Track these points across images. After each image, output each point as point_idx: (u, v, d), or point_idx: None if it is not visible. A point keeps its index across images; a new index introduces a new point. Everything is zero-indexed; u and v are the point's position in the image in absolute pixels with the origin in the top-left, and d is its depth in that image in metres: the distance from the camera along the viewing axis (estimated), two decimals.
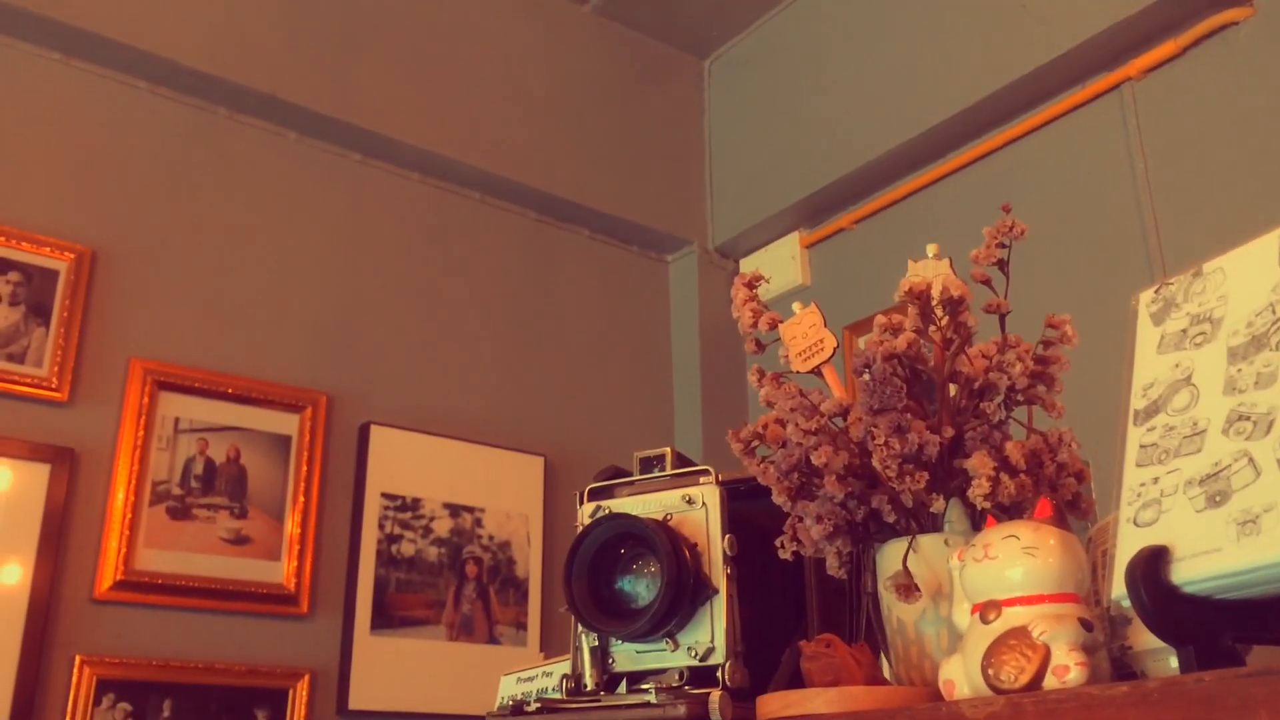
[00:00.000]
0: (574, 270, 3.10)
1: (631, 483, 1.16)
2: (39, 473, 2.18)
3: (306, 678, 2.39)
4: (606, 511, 1.11)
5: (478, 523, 2.71)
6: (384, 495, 2.59)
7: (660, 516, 1.09)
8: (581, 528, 1.10)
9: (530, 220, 3.05)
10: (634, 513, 1.08)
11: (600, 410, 3.00)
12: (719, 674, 1.01)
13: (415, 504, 2.63)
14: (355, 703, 2.42)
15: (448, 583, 2.63)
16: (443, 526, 2.66)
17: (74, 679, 2.13)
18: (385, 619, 2.52)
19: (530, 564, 2.76)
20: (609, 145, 3.16)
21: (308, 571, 2.44)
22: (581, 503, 1.16)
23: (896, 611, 0.95)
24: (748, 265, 3.17)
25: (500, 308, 2.93)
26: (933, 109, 2.59)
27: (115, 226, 2.42)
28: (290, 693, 2.37)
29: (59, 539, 2.17)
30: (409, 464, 2.64)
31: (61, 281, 2.31)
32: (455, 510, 2.68)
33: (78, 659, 2.15)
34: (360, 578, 2.51)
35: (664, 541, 1.04)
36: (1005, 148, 2.52)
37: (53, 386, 2.24)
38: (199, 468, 2.38)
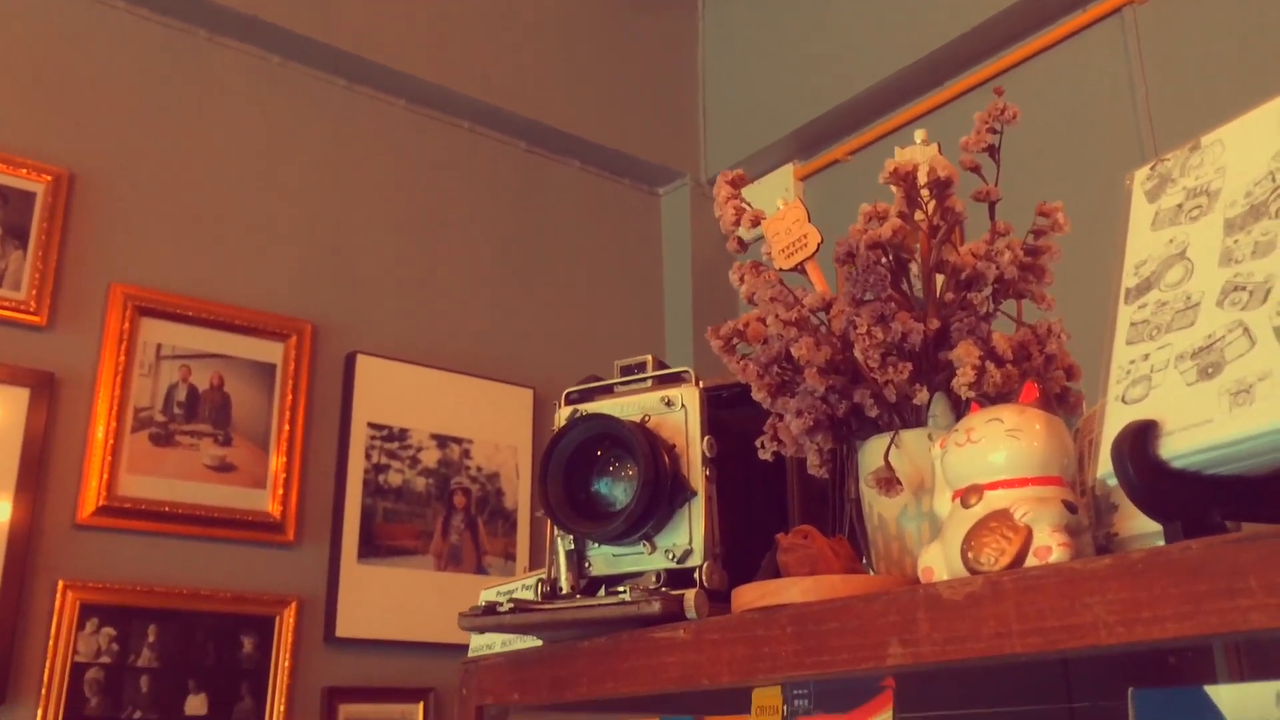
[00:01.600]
0: (565, 202, 3.05)
1: (610, 387, 1.13)
2: (18, 397, 2.15)
3: (293, 605, 2.38)
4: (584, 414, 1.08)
5: (466, 454, 2.69)
6: (371, 425, 2.56)
7: (638, 419, 1.06)
8: (558, 429, 1.07)
9: (520, 151, 3.00)
10: (612, 415, 1.05)
11: (590, 344, 2.97)
12: (696, 575, 0.99)
13: (402, 434, 2.61)
14: (343, 630, 2.42)
15: (435, 513, 2.61)
16: (430, 457, 2.63)
17: (57, 603, 2.12)
18: (372, 548, 2.50)
19: (519, 496, 2.74)
20: (601, 75, 3.10)
21: (293, 500, 2.42)
22: (560, 407, 1.13)
23: (878, 508, 0.92)
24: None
25: (489, 239, 2.88)
26: (929, 35, 2.54)
27: (93, 149, 2.37)
28: (277, 620, 2.36)
29: (40, 464, 2.15)
30: (396, 394, 2.61)
31: (39, 204, 2.27)
32: (443, 441, 2.66)
33: (60, 584, 2.13)
34: (347, 507, 2.49)
35: (641, 442, 1.01)
36: (1003, 75, 2.47)
37: (31, 310, 2.20)
38: (182, 395, 2.36)
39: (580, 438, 1.05)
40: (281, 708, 2.32)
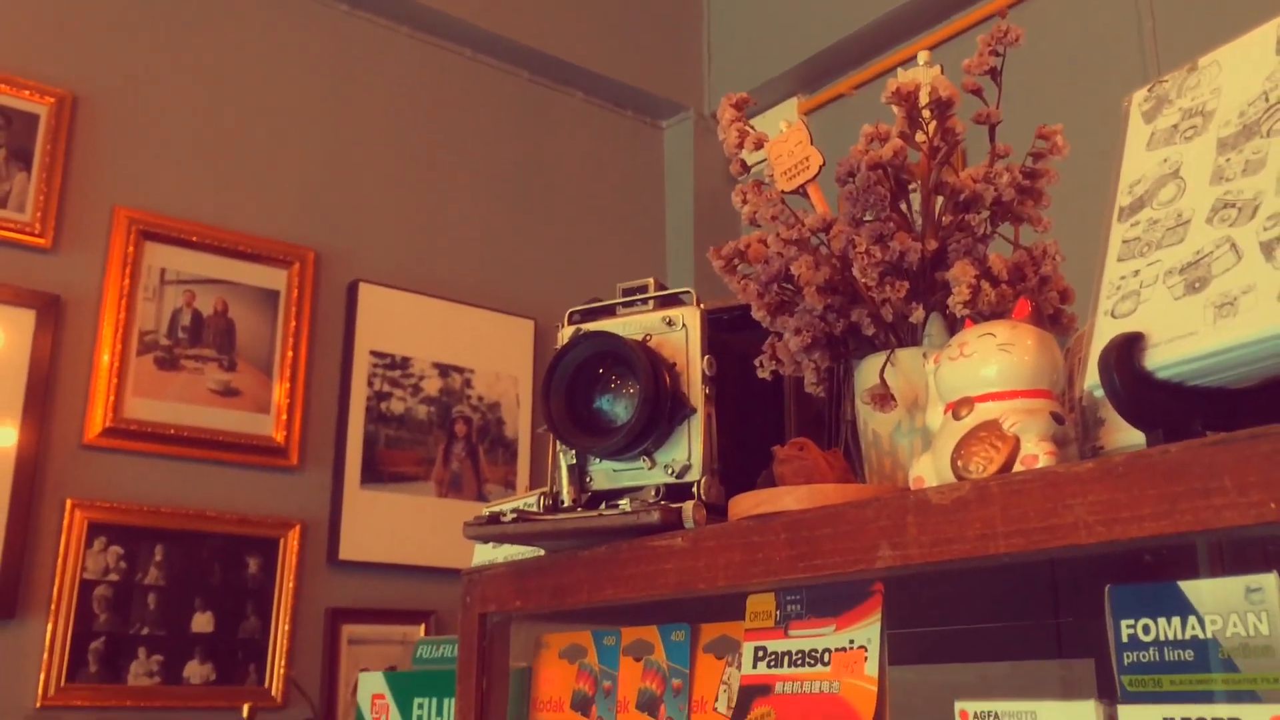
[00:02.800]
0: (567, 134, 3.04)
1: (612, 308, 1.15)
2: (24, 318, 2.17)
3: (297, 528, 2.42)
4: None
5: (467, 383, 2.71)
6: (373, 353, 2.59)
7: (640, 338, 1.08)
8: (561, 346, 1.09)
9: (523, 81, 2.98)
10: (614, 333, 1.07)
11: (592, 276, 2.98)
12: (695, 489, 1.01)
13: (404, 362, 2.63)
14: (346, 553, 2.46)
15: (437, 441, 2.65)
16: (432, 386, 2.66)
17: (65, 522, 2.16)
18: (375, 474, 2.54)
19: (520, 425, 2.78)
20: (606, 5, 3.07)
21: (297, 425, 2.45)
22: (563, 326, 1.15)
23: (872, 424, 0.95)
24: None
25: (492, 169, 2.88)
26: None
27: (96, 72, 2.36)
28: (281, 542, 2.40)
29: (47, 385, 2.18)
30: (398, 323, 2.63)
31: (42, 126, 2.27)
32: (445, 370, 2.69)
33: (69, 503, 2.17)
34: (349, 433, 2.52)
35: (642, 360, 1.03)
36: (1012, 7, 2.45)
37: (36, 232, 2.21)
38: (186, 319, 2.38)
39: (583, 355, 1.07)
40: (286, 627, 2.37)
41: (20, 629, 2.09)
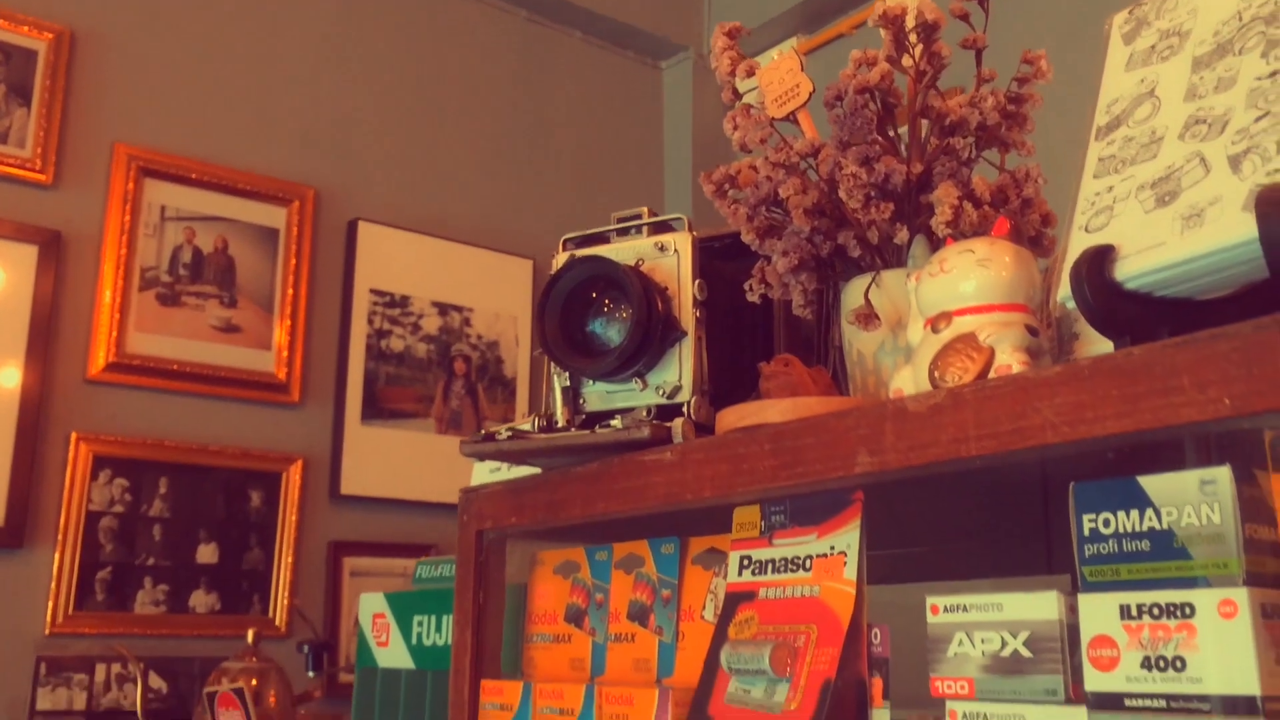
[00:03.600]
0: (565, 74, 3.04)
1: (607, 235, 1.17)
2: (26, 254, 2.20)
3: (299, 463, 2.46)
4: None
5: (466, 322, 2.74)
6: (373, 291, 2.61)
7: (633, 263, 1.10)
8: (555, 270, 1.11)
9: (521, 20, 2.97)
10: (608, 257, 1.09)
11: (590, 216, 2.98)
12: (685, 409, 1.04)
13: (404, 301, 2.65)
14: (347, 488, 2.50)
15: (436, 378, 2.68)
16: (431, 324, 2.69)
17: (71, 455, 2.20)
18: (375, 410, 2.57)
19: (518, 364, 2.81)
20: None
21: (298, 361, 2.48)
22: (559, 252, 1.17)
23: (857, 344, 0.98)
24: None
25: (491, 109, 2.89)
26: None
27: (94, 7, 2.36)
28: (283, 477, 2.45)
29: (50, 319, 2.20)
30: (398, 261, 2.65)
31: (41, 61, 2.27)
32: (444, 309, 2.71)
33: (74, 436, 2.21)
34: (350, 370, 2.55)
35: (635, 284, 1.06)
36: None
37: (36, 168, 2.23)
38: (187, 256, 2.40)
39: (577, 279, 1.09)
40: (289, 559, 2.42)
41: (29, 559, 2.14)
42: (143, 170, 2.35)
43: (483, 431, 1.11)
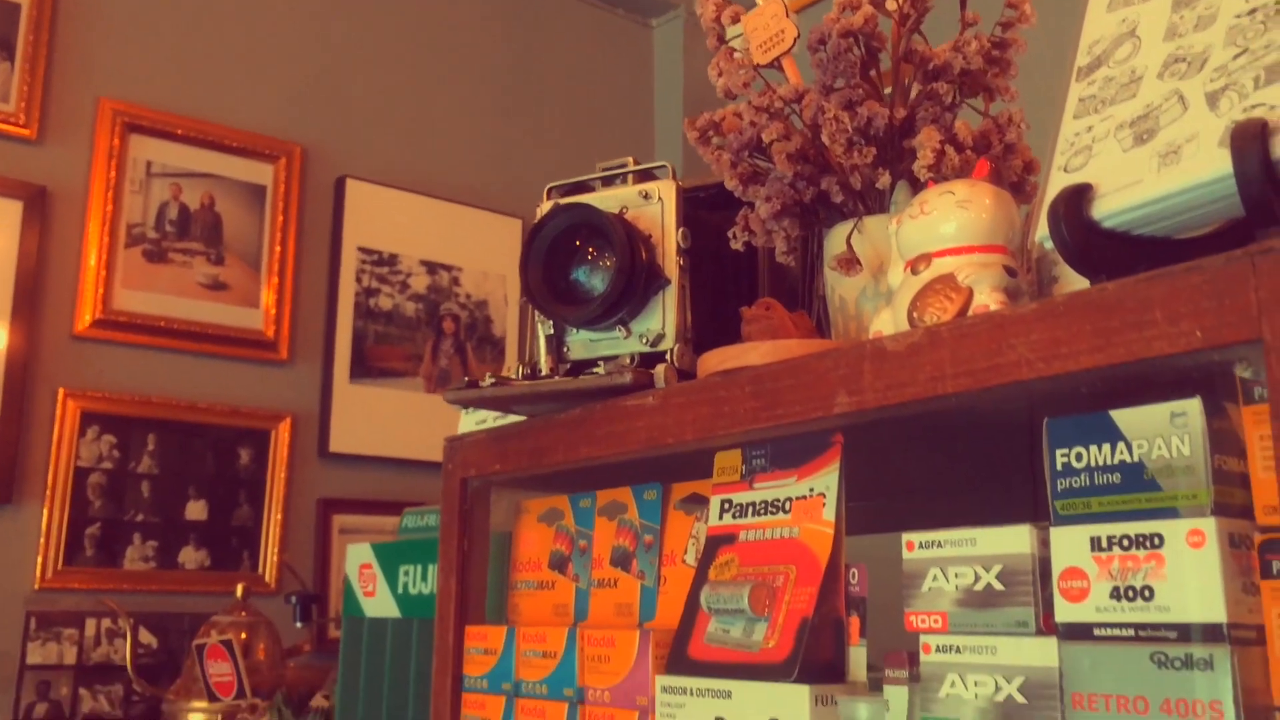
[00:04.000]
0: (556, 32, 3.02)
1: (591, 184, 1.17)
2: (11, 209, 2.18)
3: (288, 420, 2.46)
4: None
5: (455, 281, 2.74)
6: (361, 249, 2.60)
7: (617, 210, 1.10)
8: (539, 218, 1.11)
9: None
10: (591, 205, 1.09)
11: (581, 175, 2.98)
12: (668, 356, 1.04)
13: (392, 259, 2.65)
14: (336, 446, 2.51)
15: (425, 337, 2.68)
16: (420, 283, 2.68)
17: (58, 411, 2.20)
18: (364, 369, 2.57)
19: (507, 323, 2.81)
20: None
21: (286, 319, 2.48)
22: (543, 201, 1.17)
23: (839, 290, 0.98)
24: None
25: (481, 67, 2.87)
26: None
27: None
28: (272, 434, 2.45)
29: (36, 275, 2.20)
30: (386, 220, 2.64)
31: (25, 15, 2.25)
32: (433, 268, 2.71)
33: (61, 392, 2.21)
34: (338, 328, 2.55)
35: (618, 231, 1.06)
36: None
37: (21, 123, 2.21)
38: (173, 213, 2.39)
39: (560, 227, 1.09)
40: (278, 516, 2.43)
41: (17, 514, 2.14)
42: (128, 126, 2.33)
43: (466, 379, 1.11)
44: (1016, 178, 0.96)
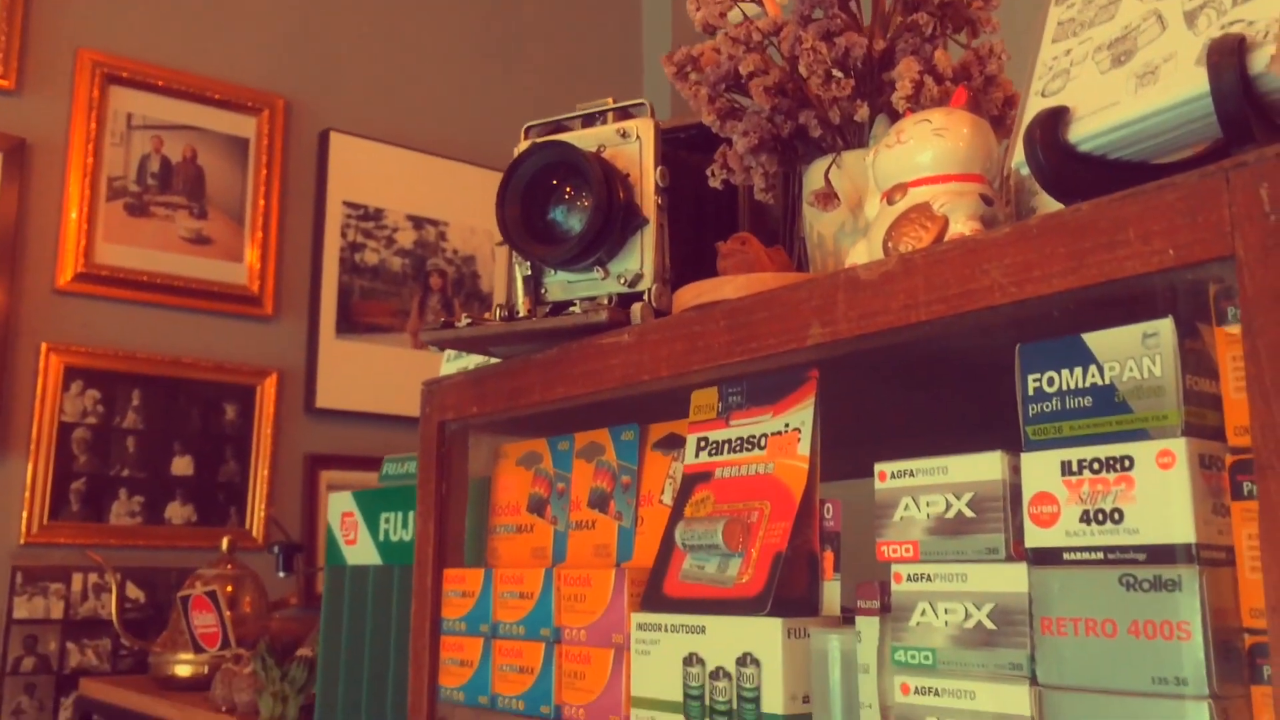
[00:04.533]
0: None
1: (569, 124, 1.16)
2: None
3: (273, 376, 2.45)
4: None
5: (441, 236, 2.72)
6: (346, 204, 2.58)
7: (594, 149, 1.09)
8: (516, 156, 1.10)
9: None
10: (568, 143, 1.08)
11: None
12: (645, 296, 1.03)
13: (378, 214, 2.63)
14: (322, 401, 2.50)
15: (411, 293, 2.66)
16: (406, 238, 2.66)
17: (42, 365, 2.18)
18: (350, 324, 2.56)
19: (495, 279, 2.79)
20: None
21: (270, 274, 2.46)
22: (521, 140, 1.16)
23: (818, 226, 0.97)
24: None
25: (465, 17, 2.83)
26: None
27: None
28: (257, 390, 2.44)
29: (17, 228, 2.17)
30: (371, 174, 2.62)
31: None
32: (419, 222, 2.69)
33: (44, 346, 2.19)
34: (324, 283, 2.53)
35: (595, 169, 1.04)
36: None
37: None
38: (155, 165, 2.36)
39: (538, 165, 1.08)
40: (265, 472, 2.42)
41: (1, 468, 2.13)
42: (108, 77, 2.30)
43: (442, 320, 1.10)
44: (997, 110, 0.94)
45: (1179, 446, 0.58)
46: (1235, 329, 0.58)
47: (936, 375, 0.92)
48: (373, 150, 2.62)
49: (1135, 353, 0.61)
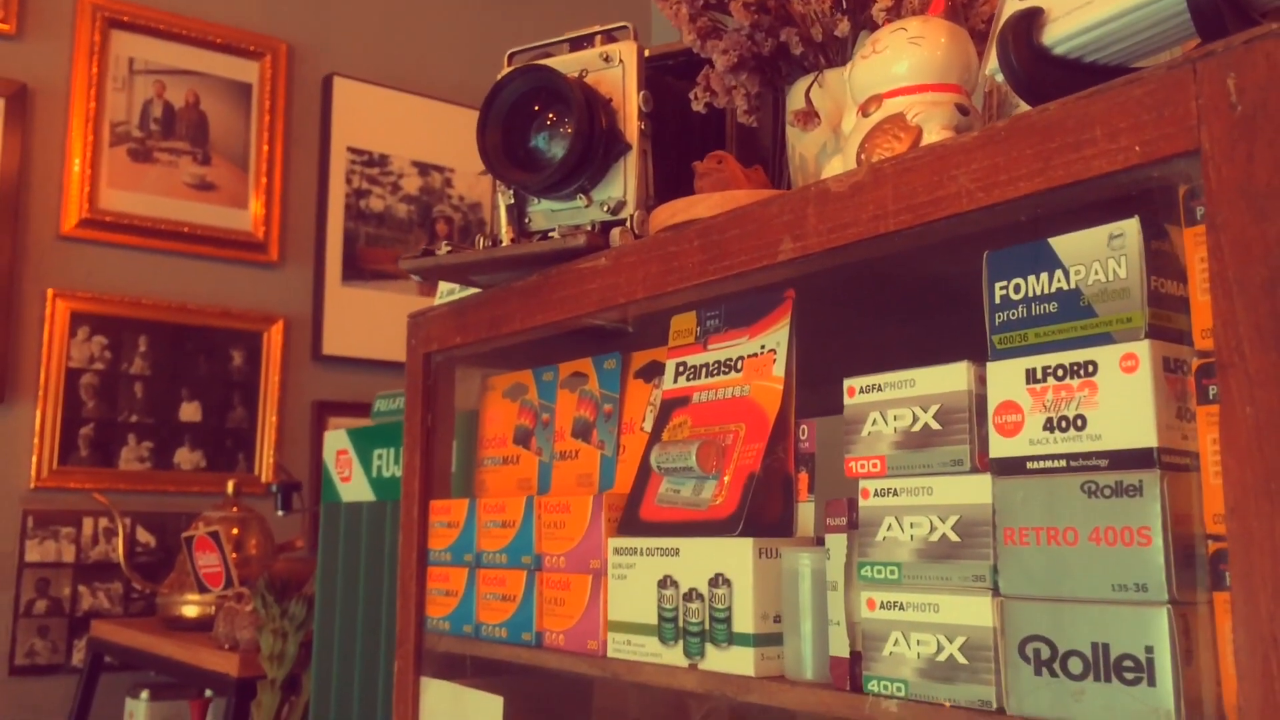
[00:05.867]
0: None
1: (553, 50, 1.13)
2: None
3: (280, 323, 2.45)
4: None
5: (447, 182, 2.70)
6: (350, 150, 2.57)
7: (576, 74, 1.07)
8: (497, 80, 1.08)
9: None
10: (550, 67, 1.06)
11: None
12: (628, 222, 1.02)
13: (383, 160, 2.61)
14: (329, 348, 2.50)
15: (418, 239, 2.65)
16: (412, 184, 2.65)
17: (48, 311, 2.19)
18: (356, 271, 2.56)
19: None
20: None
21: (275, 221, 2.46)
22: (505, 67, 1.14)
23: (799, 148, 0.95)
24: None
25: None
26: None
27: None
28: (264, 336, 2.44)
29: (20, 173, 2.17)
30: (376, 119, 2.60)
31: None
32: (424, 169, 2.67)
33: (50, 292, 2.20)
34: (329, 229, 2.53)
35: (577, 94, 1.02)
36: None
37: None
38: (157, 111, 2.35)
39: (519, 90, 1.06)
40: (273, 418, 2.43)
41: (9, 414, 2.15)
42: (109, 21, 2.29)
43: (423, 248, 1.09)
44: (983, 25, 0.91)
45: (1142, 349, 0.57)
46: (1203, 229, 0.56)
47: (911, 300, 0.91)
48: (377, 95, 2.60)
49: (1101, 255, 0.59)
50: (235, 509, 1.96)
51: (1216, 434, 0.55)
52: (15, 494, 2.15)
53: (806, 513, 0.81)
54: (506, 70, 1.12)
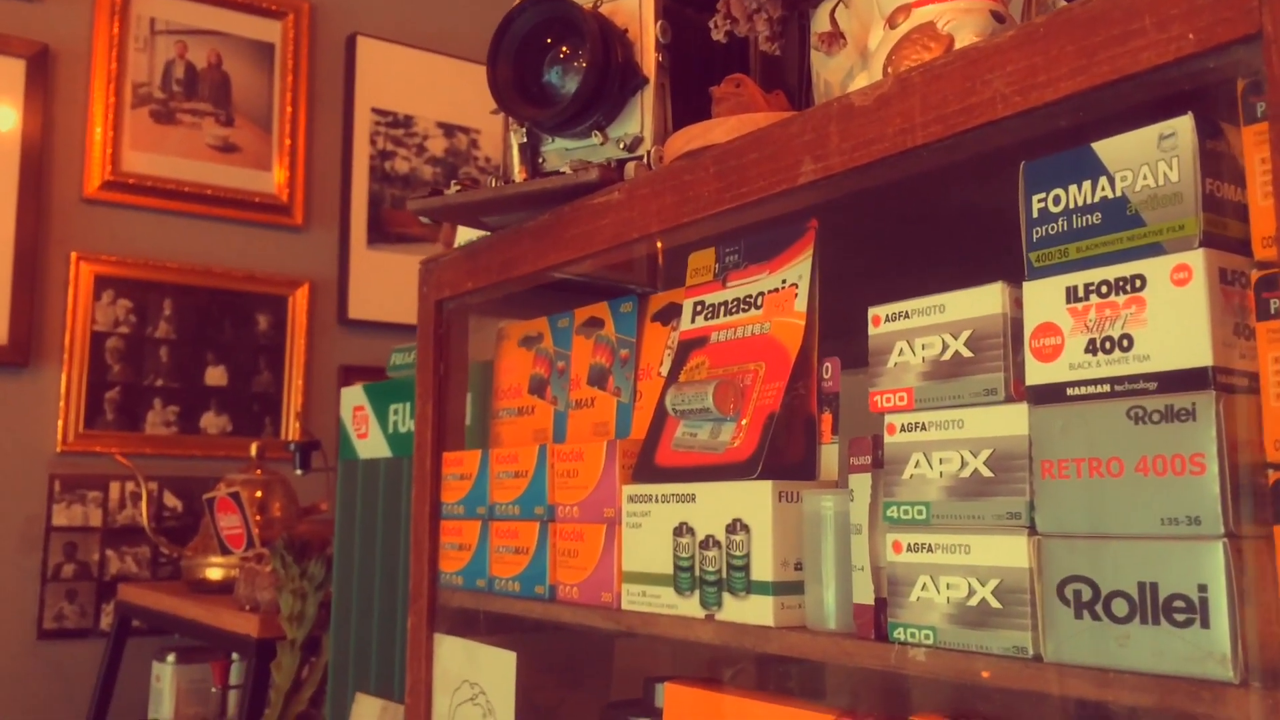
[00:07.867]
0: None
1: None
2: (14, 68, 2.14)
3: (305, 286, 2.43)
4: None
5: (473, 144, 2.66)
6: (375, 111, 2.53)
7: (590, 5, 1.02)
8: (509, 11, 1.03)
9: None
10: None
11: None
12: (644, 158, 0.97)
13: (408, 121, 2.57)
14: (355, 312, 2.48)
15: None
16: (437, 146, 2.61)
17: (72, 274, 2.18)
18: (381, 234, 2.53)
19: None
20: None
21: (300, 183, 2.43)
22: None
23: (824, 74, 0.89)
24: None
25: None
26: None
27: None
28: (289, 300, 2.42)
29: (43, 136, 2.16)
30: (400, 80, 2.56)
31: None
32: (450, 130, 2.63)
33: (74, 255, 2.19)
34: (354, 192, 2.50)
35: (591, 25, 0.97)
36: None
37: None
38: (180, 71, 2.32)
39: (531, 22, 1.02)
40: (299, 383, 2.41)
41: (35, 377, 2.15)
42: None
43: (430, 188, 1.05)
44: None
45: (1196, 259, 0.51)
46: (1265, 126, 0.51)
47: (941, 229, 0.85)
48: (401, 55, 2.56)
49: (1150, 158, 0.54)
50: (259, 472, 1.94)
51: (1278, 352, 0.50)
52: (42, 458, 2.15)
53: (830, 455, 0.77)
54: (517, 1, 1.07)
